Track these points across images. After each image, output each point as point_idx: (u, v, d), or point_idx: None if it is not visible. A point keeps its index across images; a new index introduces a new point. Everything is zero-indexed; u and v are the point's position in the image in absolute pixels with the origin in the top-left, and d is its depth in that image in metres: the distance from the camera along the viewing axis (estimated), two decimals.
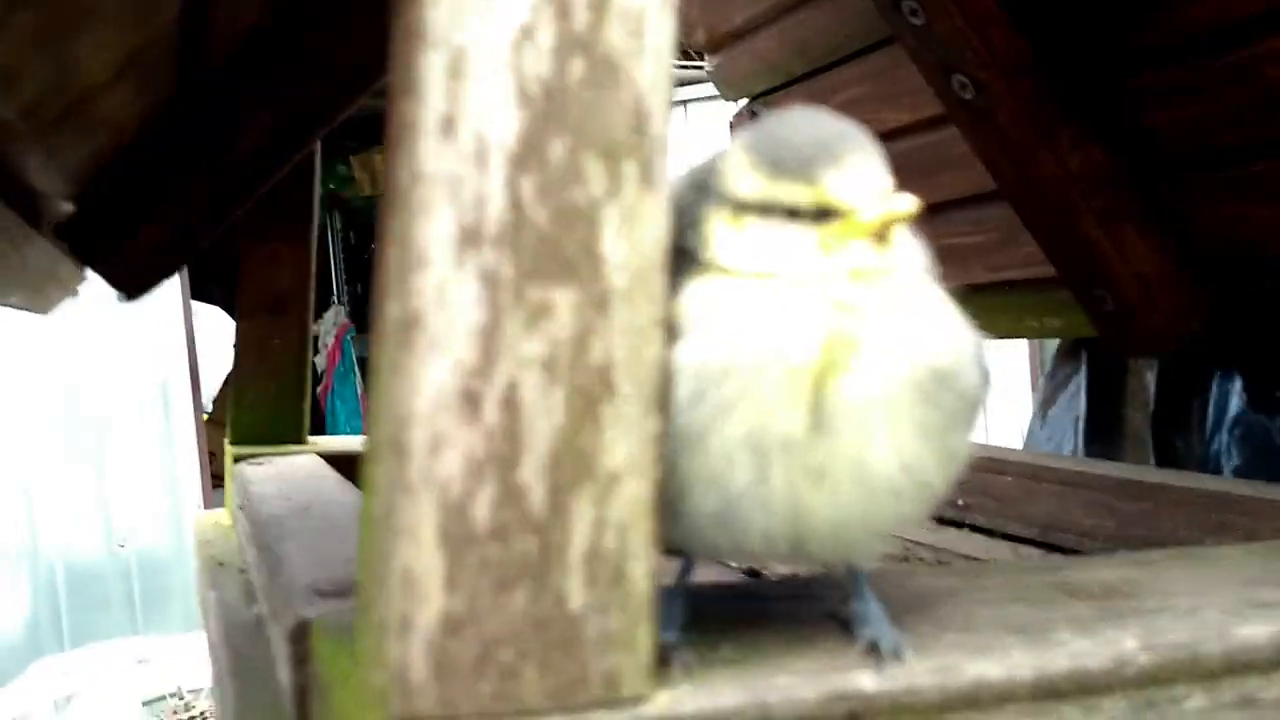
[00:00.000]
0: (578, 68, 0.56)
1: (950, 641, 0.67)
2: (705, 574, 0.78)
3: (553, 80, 0.55)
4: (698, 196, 0.65)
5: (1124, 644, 0.68)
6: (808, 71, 1.95)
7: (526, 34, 0.55)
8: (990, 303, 1.93)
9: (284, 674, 0.81)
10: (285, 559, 0.93)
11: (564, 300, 0.56)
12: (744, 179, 0.64)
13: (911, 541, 1.53)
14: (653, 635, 0.58)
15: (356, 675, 0.60)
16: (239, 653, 1.01)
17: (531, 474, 0.55)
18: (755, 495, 0.61)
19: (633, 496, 0.57)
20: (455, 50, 0.54)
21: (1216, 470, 1.66)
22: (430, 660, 0.55)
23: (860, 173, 0.62)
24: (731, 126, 2.13)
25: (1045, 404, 2.02)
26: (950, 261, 2.09)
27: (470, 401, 0.55)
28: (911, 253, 0.65)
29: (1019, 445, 2.13)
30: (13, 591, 4.02)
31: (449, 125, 0.54)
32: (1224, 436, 1.65)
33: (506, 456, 0.55)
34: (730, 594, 0.76)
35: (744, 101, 2.13)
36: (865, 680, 0.62)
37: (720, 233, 0.64)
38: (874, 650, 0.64)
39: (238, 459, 1.57)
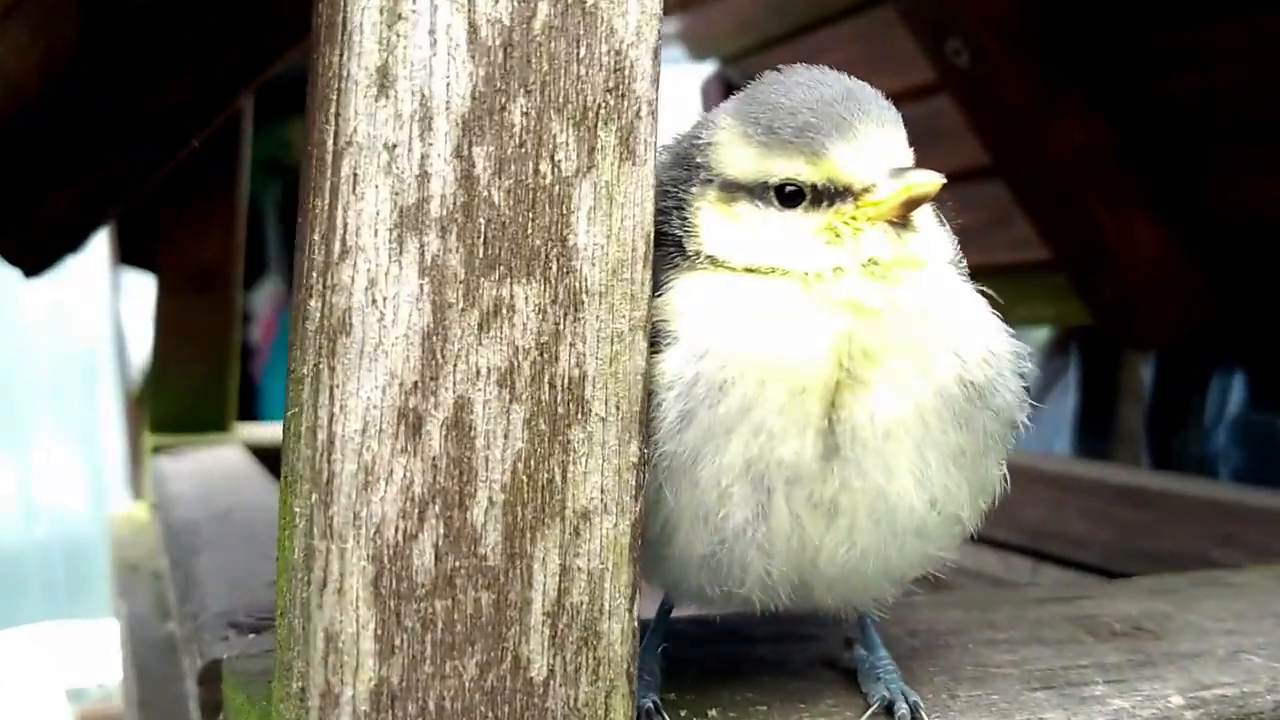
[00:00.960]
0: (544, 11, 0.45)
1: (966, 700, 0.58)
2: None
3: (514, 26, 0.45)
4: (682, 173, 0.54)
5: (1169, 701, 0.58)
6: (787, 33, 1.84)
7: None
8: (981, 286, 1.85)
9: (194, 717, 0.70)
10: (198, 578, 0.81)
11: (525, 298, 0.45)
12: (734, 153, 0.53)
13: None
14: (630, 706, 0.48)
15: None
16: (147, 679, 0.89)
17: (484, 514, 0.45)
18: (754, 535, 0.51)
19: (608, 540, 0.47)
20: None
21: (1214, 471, 1.58)
22: None
23: (875, 143, 0.51)
24: (703, 95, 2.02)
25: (1036, 400, 1.94)
26: None
27: (410, 424, 0.44)
28: (939, 244, 0.55)
29: None
30: None
31: (384, 80, 0.43)
32: (1222, 436, 1.58)
33: (454, 492, 0.45)
34: (711, 634, 0.66)
35: (712, 65, 2.02)
36: None
37: (708, 218, 0.53)
38: (888, 714, 0.54)
39: (156, 449, 1.44)
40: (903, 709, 0.54)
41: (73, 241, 1.10)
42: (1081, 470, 1.36)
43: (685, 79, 2.02)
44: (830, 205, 0.51)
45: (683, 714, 0.55)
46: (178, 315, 1.54)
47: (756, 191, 0.52)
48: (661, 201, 0.52)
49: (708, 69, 1.97)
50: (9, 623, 3.28)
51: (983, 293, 0.57)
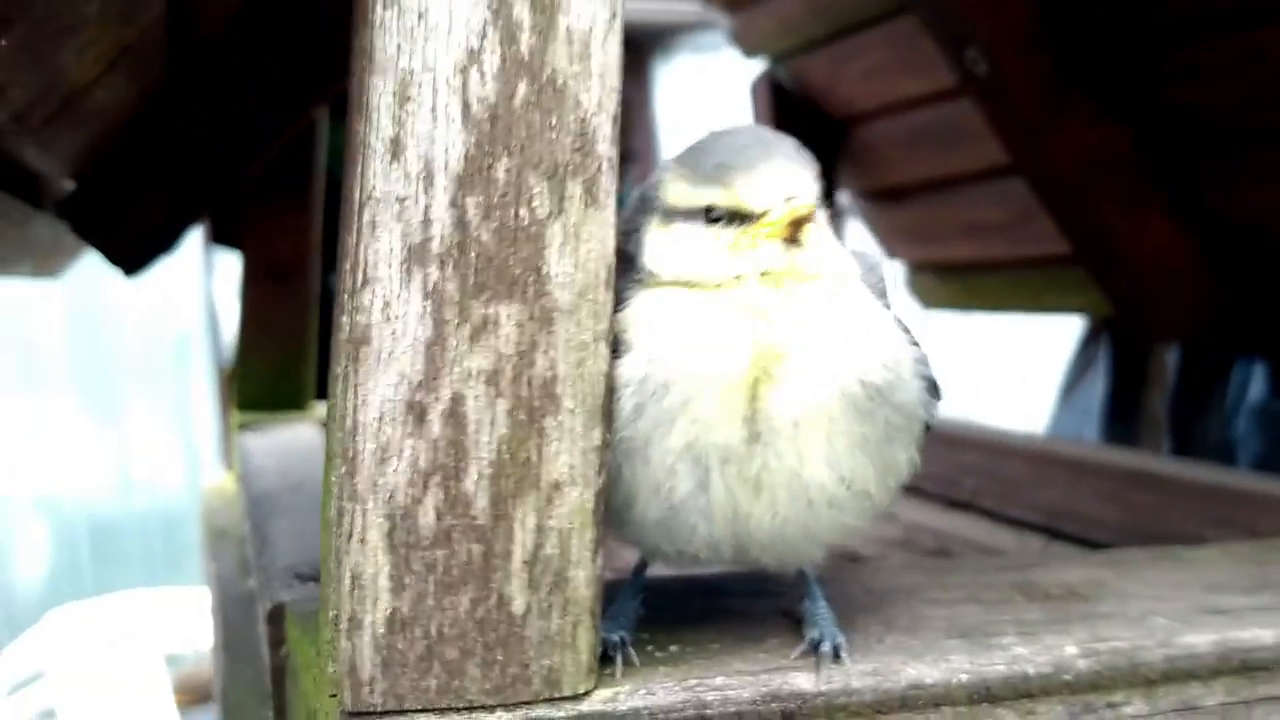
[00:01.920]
0: (523, 90, 0.57)
1: (893, 644, 0.69)
2: None
3: (498, 103, 0.57)
4: (642, 207, 0.67)
5: (1064, 650, 0.69)
6: (827, 35, 1.93)
7: (473, 58, 0.56)
8: (1011, 279, 1.93)
9: (265, 653, 0.84)
10: (271, 539, 0.96)
11: (508, 316, 0.58)
12: (674, 188, 0.66)
13: (914, 525, 1.54)
14: (594, 636, 0.60)
15: (318, 664, 0.63)
16: (231, 627, 1.04)
17: (475, 483, 0.58)
18: (696, 504, 0.63)
19: (575, 505, 0.59)
20: (402, 74, 0.56)
21: (1233, 458, 1.64)
22: (378, 657, 0.57)
23: (770, 178, 0.63)
24: (753, 93, 2.12)
25: (1070, 386, 2.01)
26: (971, 236, 2.08)
27: (416, 414, 0.57)
28: (844, 262, 0.66)
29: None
30: (34, 543, 4.11)
31: (396, 148, 0.56)
32: (1242, 424, 1.63)
33: (451, 467, 0.57)
34: (693, 588, 0.78)
35: (762, 63, 2.11)
36: (802, 681, 0.64)
37: (651, 239, 0.66)
38: (815, 651, 0.66)
39: (241, 426, 1.60)
40: (826, 647, 0.66)
41: (166, 241, 1.25)
42: (1094, 454, 1.44)
43: (739, 75, 2.12)
44: (739, 226, 0.63)
45: (649, 648, 0.67)
46: (258, 304, 1.69)
47: (688, 215, 0.65)
48: (630, 233, 0.66)
49: (759, 66, 2.06)
50: (108, 590, 3.51)
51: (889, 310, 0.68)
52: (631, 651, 0.64)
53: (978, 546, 1.41)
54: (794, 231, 0.63)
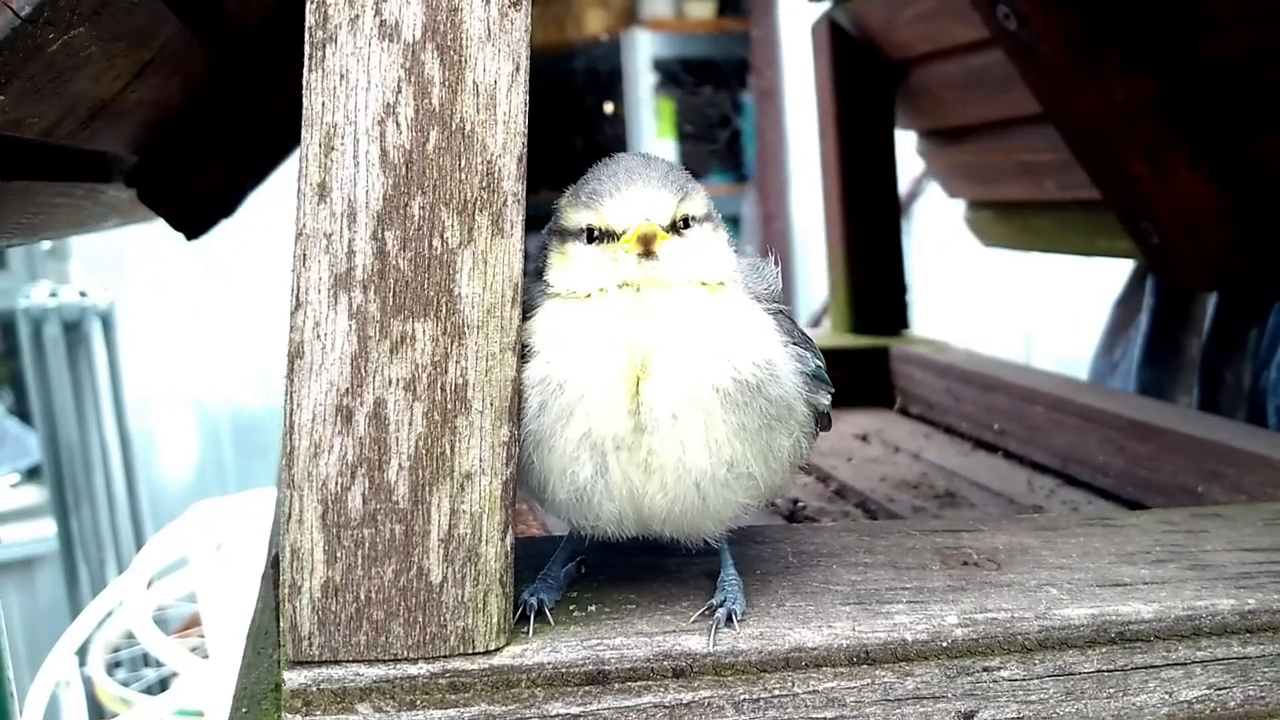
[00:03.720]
0: (435, 137, 0.66)
1: (790, 609, 0.78)
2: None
3: (413, 149, 0.66)
4: (552, 227, 0.76)
5: (945, 620, 0.77)
6: None
7: (389, 111, 0.66)
8: (1064, 220, 1.95)
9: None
10: None
11: (424, 332, 0.67)
12: (566, 212, 0.76)
13: (934, 466, 1.61)
14: (504, 602, 0.71)
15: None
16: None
17: (396, 474, 0.68)
18: (598, 486, 0.73)
19: (485, 492, 0.69)
20: (327, 128, 0.65)
21: (1260, 407, 1.65)
22: (315, 617, 0.69)
23: (630, 202, 0.73)
24: (813, 34, 2.16)
25: (1114, 330, 2.02)
26: (1024, 176, 2.13)
27: (344, 415, 0.67)
28: (715, 271, 0.75)
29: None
30: (181, 440, 4.43)
31: (323, 190, 0.66)
32: (1274, 373, 1.64)
33: (375, 459, 0.68)
34: (641, 547, 0.87)
35: (825, 5, 2.14)
36: (694, 643, 0.74)
37: (551, 258, 0.76)
38: (711, 614, 0.75)
39: None
40: (721, 612, 0.75)
41: (228, 205, 1.38)
42: (1102, 402, 1.48)
43: (796, 26, 2.15)
44: (608, 244, 0.73)
45: (571, 608, 0.77)
46: None
47: (576, 235, 0.75)
48: (543, 249, 0.75)
49: (821, 8, 2.09)
50: (251, 485, 3.77)
51: (782, 312, 0.76)
52: (547, 613, 0.75)
53: (986, 490, 1.47)
54: (647, 246, 0.72)
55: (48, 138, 0.82)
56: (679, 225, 0.75)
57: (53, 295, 3.61)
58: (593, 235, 0.74)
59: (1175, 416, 1.44)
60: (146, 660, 3.33)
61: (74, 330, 3.65)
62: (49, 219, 1.05)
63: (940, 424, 1.82)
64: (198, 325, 4.36)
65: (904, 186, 3.52)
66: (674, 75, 5.08)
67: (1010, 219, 2.03)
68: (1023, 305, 3.22)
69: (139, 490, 3.91)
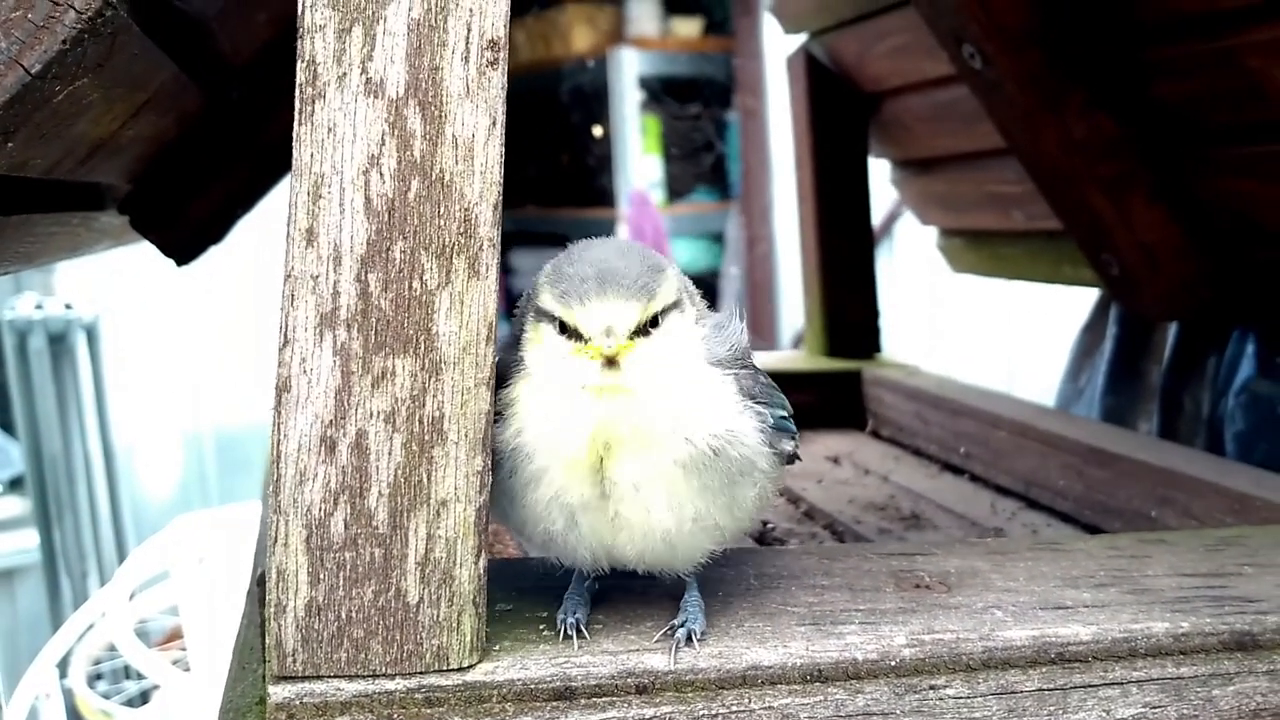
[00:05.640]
0: (415, 187, 0.71)
1: (748, 629, 0.83)
2: None
3: (395, 197, 0.71)
4: (530, 300, 0.81)
5: (894, 640, 0.82)
6: (857, 15, 2.01)
7: (373, 162, 0.70)
8: (1031, 249, 2.01)
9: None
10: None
11: (403, 368, 0.72)
12: (542, 296, 0.80)
13: (901, 488, 1.66)
14: (476, 622, 0.75)
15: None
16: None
17: (376, 500, 0.73)
18: (570, 535, 0.80)
19: (459, 518, 0.74)
20: (315, 177, 0.70)
21: (1218, 434, 1.70)
22: (299, 634, 0.73)
23: (596, 314, 0.76)
24: (789, 66, 2.21)
25: (1079, 356, 2.08)
26: (992, 207, 2.19)
27: (328, 445, 0.72)
28: (675, 363, 0.79)
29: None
30: (165, 454, 4.46)
31: (310, 235, 0.70)
32: (1230, 402, 1.69)
33: (357, 487, 0.72)
34: (612, 573, 0.91)
35: (801, 38, 2.20)
36: (656, 661, 0.78)
37: (527, 335, 0.81)
38: (672, 634, 0.80)
39: None
40: (682, 633, 0.79)
41: (217, 234, 1.42)
42: (1063, 428, 1.53)
43: (779, 49, 2.20)
44: (577, 341, 0.77)
45: (541, 628, 0.81)
46: None
47: (550, 319, 0.79)
48: (521, 319, 0.80)
49: (798, 40, 2.14)
50: (233, 499, 3.80)
51: (745, 367, 0.81)
52: (583, 629, 0.79)
53: (951, 513, 1.52)
54: (611, 359, 0.76)
55: (48, 175, 0.86)
56: (646, 326, 0.78)
57: (38, 307, 3.64)
58: (564, 327, 0.78)
59: (1131, 443, 1.49)
60: (128, 673, 3.35)
61: (59, 343, 3.69)
62: (44, 246, 1.10)
63: (910, 446, 1.87)
64: (183, 339, 4.39)
65: (884, 210, 3.59)
66: (660, 94, 5.14)
67: (980, 247, 2.08)
68: (1006, 335, 3.28)
69: (122, 503, 3.94)
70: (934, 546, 1.03)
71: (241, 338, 4.25)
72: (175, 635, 3.34)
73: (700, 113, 5.24)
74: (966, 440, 1.73)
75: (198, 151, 1.24)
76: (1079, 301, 2.15)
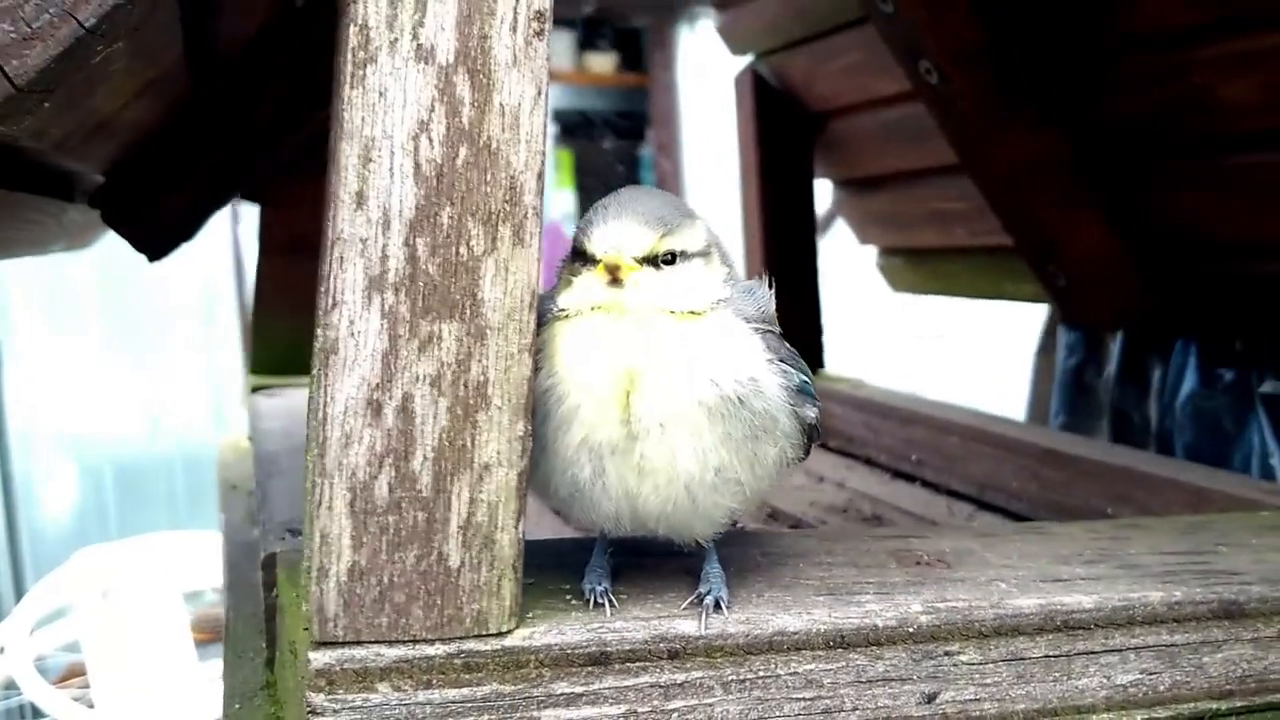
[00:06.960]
0: (464, 153, 0.72)
1: (770, 599, 0.84)
2: None
3: (444, 164, 0.72)
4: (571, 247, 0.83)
5: (911, 607, 0.84)
6: (806, 36, 2.06)
7: (423, 128, 0.71)
8: (972, 265, 2.07)
9: (261, 594, 1.00)
10: (271, 496, 1.11)
11: (449, 332, 0.73)
12: (576, 233, 0.82)
13: (858, 493, 1.70)
14: (515, 587, 0.76)
15: (298, 604, 0.78)
16: (236, 571, 1.20)
17: (420, 464, 0.73)
18: (596, 485, 0.80)
19: (501, 483, 0.74)
20: (366, 141, 0.71)
21: (1168, 446, 1.76)
22: (340, 599, 0.73)
23: (608, 235, 0.79)
24: (737, 86, 2.25)
25: (1037, 382, 2.14)
26: (935, 224, 2.25)
27: (374, 408, 0.72)
28: (697, 297, 0.81)
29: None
30: (63, 485, 4.32)
31: (360, 199, 0.71)
32: (1177, 413, 1.75)
33: (402, 450, 0.73)
34: (621, 549, 0.92)
35: (748, 59, 2.24)
36: (687, 626, 0.79)
37: (562, 276, 0.83)
38: (700, 603, 0.81)
39: (255, 388, 1.76)
40: (709, 600, 0.81)
41: (188, 230, 1.41)
42: (1016, 433, 1.59)
43: (726, 69, 2.24)
44: (592, 268, 0.80)
45: (568, 598, 0.82)
46: (275, 273, 1.85)
47: (578, 256, 0.81)
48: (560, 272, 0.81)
49: (745, 61, 2.19)
50: (134, 531, 3.70)
51: (771, 331, 0.83)
52: (610, 596, 0.80)
53: (910, 515, 1.56)
54: (613, 275, 0.79)
55: (58, 148, 0.86)
56: (661, 259, 0.81)
57: None
58: (585, 257, 0.80)
59: (1086, 445, 1.54)
60: (23, 713, 3.23)
61: None
62: (19, 235, 1.08)
63: (860, 456, 1.91)
64: (84, 365, 4.27)
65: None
66: (574, 127, 5.19)
67: (921, 265, 2.14)
68: (946, 354, 3.35)
69: (20, 534, 3.80)
70: (923, 530, 1.06)
71: (144, 361, 4.16)
72: (74, 672, 3.23)
73: (614, 146, 5.30)
74: (918, 448, 1.77)
75: (175, 144, 1.23)
76: (1018, 321, 2.22)
